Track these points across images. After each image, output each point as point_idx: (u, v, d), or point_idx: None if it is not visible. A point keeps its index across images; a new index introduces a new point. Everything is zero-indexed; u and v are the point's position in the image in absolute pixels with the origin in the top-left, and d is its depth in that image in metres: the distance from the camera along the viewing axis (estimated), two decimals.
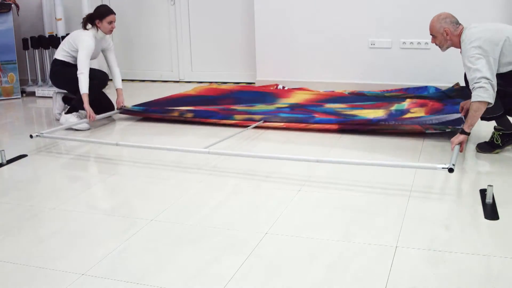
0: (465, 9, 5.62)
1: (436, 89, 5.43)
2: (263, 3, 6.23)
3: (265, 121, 4.57)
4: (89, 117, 4.66)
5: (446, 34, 3.71)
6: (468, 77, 3.57)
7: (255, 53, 6.41)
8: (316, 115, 4.61)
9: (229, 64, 6.78)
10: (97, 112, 4.83)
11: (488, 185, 3.04)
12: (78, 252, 2.63)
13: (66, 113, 4.85)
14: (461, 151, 3.59)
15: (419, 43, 5.79)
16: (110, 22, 4.77)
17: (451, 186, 3.33)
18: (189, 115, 4.80)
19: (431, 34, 3.80)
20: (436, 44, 3.83)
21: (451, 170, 3.18)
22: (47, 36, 6.40)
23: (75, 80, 4.67)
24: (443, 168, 3.20)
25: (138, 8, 7.03)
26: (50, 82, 6.07)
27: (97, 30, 4.79)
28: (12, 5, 6.26)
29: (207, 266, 2.45)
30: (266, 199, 3.23)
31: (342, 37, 6.04)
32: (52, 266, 2.49)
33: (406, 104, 4.88)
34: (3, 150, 4.00)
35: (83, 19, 4.86)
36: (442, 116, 4.29)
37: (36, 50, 6.44)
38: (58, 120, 4.97)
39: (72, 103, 4.88)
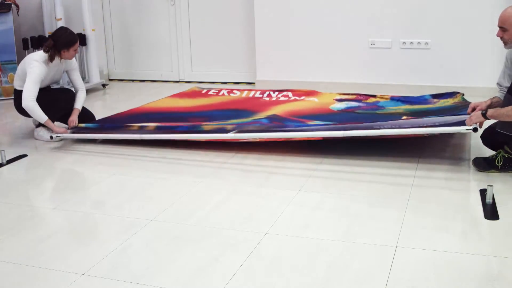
0: (465, 9, 5.62)
1: (431, 96, 5.12)
2: (263, 3, 6.23)
3: (238, 132, 4.01)
4: (65, 131, 4.40)
5: None
6: None
7: (255, 53, 6.41)
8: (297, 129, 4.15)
9: (229, 64, 6.78)
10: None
11: (488, 185, 3.04)
12: (78, 252, 2.63)
13: (37, 126, 4.58)
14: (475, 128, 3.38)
15: (419, 43, 5.78)
16: (76, 49, 4.46)
17: (451, 186, 3.33)
18: (151, 127, 4.31)
19: (500, 26, 3.40)
20: (503, 39, 3.42)
21: (475, 129, 3.30)
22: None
23: (41, 106, 4.33)
24: (467, 130, 3.35)
25: (138, 8, 7.03)
26: None
27: (60, 59, 4.43)
28: (12, 5, 6.25)
29: (207, 266, 2.45)
30: (266, 199, 3.23)
31: (342, 37, 6.04)
32: (52, 266, 2.49)
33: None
34: (3, 150, 4.00)
35: (47, 49, 4.39)
36: (444, 118, 3.93)
37: (36, 50, 6.44)
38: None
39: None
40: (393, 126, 3.76)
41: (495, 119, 3.36)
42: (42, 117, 4.32)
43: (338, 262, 2.45)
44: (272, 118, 4.47)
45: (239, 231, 2.78)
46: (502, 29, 3.40)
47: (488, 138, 3.56)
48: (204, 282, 2.32)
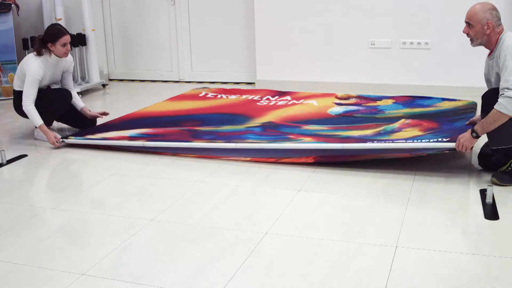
0: (465, 9, 5.61)
1: (442, 99, 5.08)
2: (263, 3, 6.22)
3: (227, 157, 3.87)
4: (54, 144, 4.26)
5: (488, 27, 3.26)
6: (502, 77, 3.16)
7: (255, 53, 6.41)
8: (290, 136, 4.05)
9: (229, 64, 6.78)
10: (83, 126, 4.65)
11: (488, 185, 3.04)
12: (78, 252, 2.63)
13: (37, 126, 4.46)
14: (467, 151, 3.33)
15: (419, 43, 5.78)
16: (64, 45, 4.33)
17: (451, 186, 3.32)
18: (140, 140, 4.12)
19: (467, 22, 3.33)
20: (469, 35, 3.35)
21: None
22: None
23: (37, 106, 4.32)
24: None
25: (138, 8, 7.03)
26: None
27: (50, 54, 4.37)
28: (12, 5, 6.25)
29: (207, 266, 2.45)
30: (266, 199, 3.23)
31: (342, 37, 6.04)
32: (52, 266, 2.49)
33: (397, 125, 4.24)
34: (3, 150, 4.00)
35: (36, 42, 4.41)
36: (436, 143, 3.46)
37: None
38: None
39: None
40: (386, 142, 3.67)
41: (485, 131, 3.20)
42: (37, 121, 4.30)
43: (338, 262, 2.45)
44: (266, 126, 4.36)
45: (239, 231, 2.78)
46: (468, 24, 3.34)
47: (485, 159, 3.47)
48: (204, 282, 2.32)
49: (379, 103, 5.12)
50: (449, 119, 4.39)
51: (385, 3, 5.83)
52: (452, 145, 3.34)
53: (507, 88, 3.09)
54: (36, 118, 4.30)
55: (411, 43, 5.81)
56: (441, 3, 5.64)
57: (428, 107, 4.91)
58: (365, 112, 4.86)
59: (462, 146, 3.26)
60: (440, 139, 3.51)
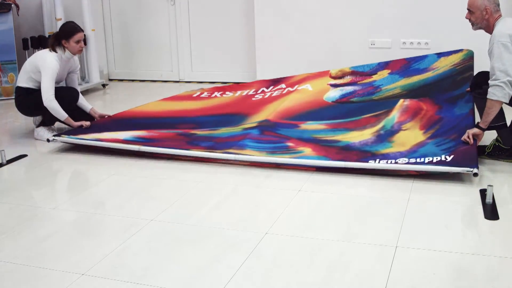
0: (465, 9, 5.62)
1: (438, 55, 5.10)
2: (263, 3, 6.23)
3: (227, 160, 3.80)
4: (83, 126, 4.40)
5: (486, 13, 3.54)
6: (490, 64, 3.47)
7: (255, 53, 6.41)
8: (289, 143, 3.94)
9: (229, 64, 6.78)
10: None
11: (488, 185, 3.04)
12: (78, 252, 2.63)
13: (37, 126, 4.57)
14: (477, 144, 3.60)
15: (419, 43, 5.78)
16: (78, 41, 4.40)
17: (451, 186, 3.32)
18: (136, 145, 4.02)
19: (468, 9, 3.63)
20: (470, 21, 3.65)
21: (475, 174, 3.25)
22: (47, 36, 6.40)
23: (40, 104, 4.34)
24: (467, 171, 3.26)
25: (138, 8, 7.03)
26: None
27: (64, 51, 4.42)
28: (12, 5, 6.25)
29: (207, 266, 2.45)
30: (266, 199, 3.23)
31: (342, 37, 6.04)
32: (52, 266, 2.49)
33: (396, 115, 4.18)
34: (3, 150, 4.00)
35: (50, 40, 4.50)
36: (441, 167, 3.38)
37: (36, 50, 6.43)
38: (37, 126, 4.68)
39: (43, 119, 4.56)
40: (388, 162, 3.55)
41: (488, 122, 3.52)
42: (63, 115, 4.37)
43: (338, 262, 2.45)
44: (263, 127, 4.24)
45: (239, 231, 2.78)
46: (470, 11, 3.64)
47: None
48: (204, 282, 2.32)
49: (374, 77, 5.05)
50: (448, 95, 4.41)
51: (385, 3, 5.83)
52: (456, 169, 3.32)
53: (494, 79, 3.41)
54: (61, 111, 4.36)
55: (411, 43, 5.81)
56: (441, 3, 5.64)
57: (425, 72, 4.91)
58: (362, 93, 4.81)
59: (471, 137, 3.55)
60: (444, 158, 3.44)
